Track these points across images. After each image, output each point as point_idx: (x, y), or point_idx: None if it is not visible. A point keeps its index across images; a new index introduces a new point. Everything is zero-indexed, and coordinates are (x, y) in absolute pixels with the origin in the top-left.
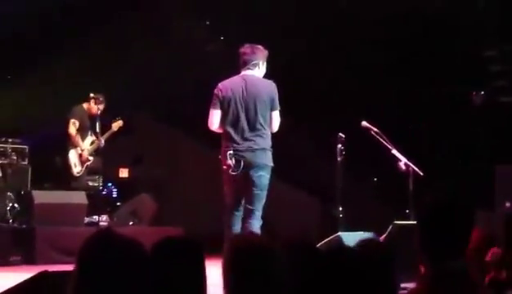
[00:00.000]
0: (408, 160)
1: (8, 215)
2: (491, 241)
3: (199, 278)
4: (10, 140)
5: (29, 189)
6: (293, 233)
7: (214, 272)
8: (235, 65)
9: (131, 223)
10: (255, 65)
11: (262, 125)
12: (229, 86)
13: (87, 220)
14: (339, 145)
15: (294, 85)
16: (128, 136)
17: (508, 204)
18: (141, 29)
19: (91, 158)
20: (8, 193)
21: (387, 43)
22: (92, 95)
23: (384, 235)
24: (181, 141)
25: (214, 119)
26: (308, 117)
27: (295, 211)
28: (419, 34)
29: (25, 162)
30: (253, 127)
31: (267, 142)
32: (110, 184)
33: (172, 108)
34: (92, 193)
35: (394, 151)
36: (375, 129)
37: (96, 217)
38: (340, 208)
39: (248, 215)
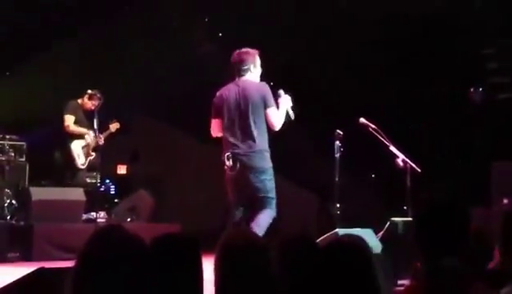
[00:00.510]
0: (406, 157)
1: (6, 211)
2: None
3: (195, 275)
4: (7, 137)
5: (26, 185)
6: (291, 229)
7: (211, 269)
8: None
9: (129, 219)
10: (246, 70)
11: (256, 128)
12: (223, 93)
13: (84, 216)
14: (337, 142)
15: (293, 85)
16: (126, 133)
17: (505, 201)
18: (140, 28)
19: (93, 154)
20: (6, 190)
21: (387, 43)
22: (89, 91)
23: (382, 232)
24: (179, 138)
25: (213, 127)
26: (308, 116)
27: (293, 207)
28: (419, 34)
29: (23, 159)
30: (247, 131)
31: (262, 144)
32: (107, 181)
33: (170, 105)
34: (90, 190)
35: (392, 148)
36: (373, 126)
37: (93, 214)
38: (338, 205)
39: (257, 217)
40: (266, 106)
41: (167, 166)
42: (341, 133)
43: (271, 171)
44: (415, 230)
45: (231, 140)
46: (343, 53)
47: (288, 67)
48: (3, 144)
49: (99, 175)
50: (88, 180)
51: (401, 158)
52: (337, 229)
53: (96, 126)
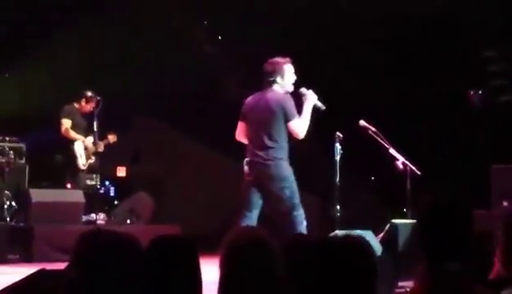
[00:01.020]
0: (406, 159)
1: (5, 213)
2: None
3: (193, 276)
4: (7, 139)
5: (26, 187)
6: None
7: (212, 270)
8: (234, 65)
9: (129, 221)
10: (271, 83)
11: (274, 139)
12: (249, 101)
13: (84, 218)
14: (337, 144)
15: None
16: (125, 135)
17: (505, 203)
18: (141, 28)
19: (93, 157)
20: (6, 192)
21: (387, 43)
22: (87, 94)
23: (382, 234)
24: (179, 139)
25: (237, 130)
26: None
27: None
28: (419, 34)
29: (23, 161)
30: (265, 141)
31: (279, 153)
32: (107, 183)
33: (170, 107)
34: (90, 192)
35: (392, 150)
36: (373, 128)
37: (93, 216)
38: (338, 207)
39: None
40: (287, 120)
41: (166, 167)
42: (341, 135)
43: (290, 179)
44: (419, 232)
45: (251, 147)
46: (343, 53)
47: None
48: (3, 146)
49: (99, 178)
50: (88, 182)
51: (400, 160)
52: (337, 231)
53: (96, 129)
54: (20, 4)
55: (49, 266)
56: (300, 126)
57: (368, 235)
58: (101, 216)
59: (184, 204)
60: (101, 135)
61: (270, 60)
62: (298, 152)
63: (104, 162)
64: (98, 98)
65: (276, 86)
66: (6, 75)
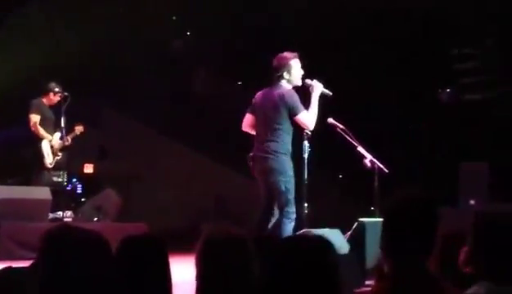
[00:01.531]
0: (374, 157)
1: None
2: (460, 238)
3: (163, 276)
4: None
5: None
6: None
7: (180, 268)
8: (205, 62)
9: (95, 219)
10: (279, 78)
11: (276, 134)
12: (258, 96)
13: (51, 215)
14: (305, 142)
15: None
16: (93, 132)
17: (472, 202)
18: (114, 26)
19: (60, 154)
20: None
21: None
22: (54, 89)
23: (349, 232)
24: (147, 137)
25: (244, 121)
26: None
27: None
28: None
29: None
30: (266, 136)
31: (279, 148)
32: (74, 180)
33: (139, 103)
34: (57, 189)
35: (360, 148)
36: (341, 126)
37: (60, 213)
38: (306, 205)
39: (279, 217)
40: (293, 114)
41: (134, 165)
42: (309, 133)
43: (287, 174)
44: (382, 230)
45: (256, 141)
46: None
47: None
48: None
49: (66, 174)
50: (55, 179)
51: (368, 158)
52: (305, 230)
53: (63, 125)
54: None
55: (15, 264)
56: (307, 118)
57: (336, 233)
58: (68, 213)
59: (151, 202)
60: (68, 131)
61: (277, 56)
62: None
63: (71, 159)
64: (66, 94)
65: (283, 82)
66: None
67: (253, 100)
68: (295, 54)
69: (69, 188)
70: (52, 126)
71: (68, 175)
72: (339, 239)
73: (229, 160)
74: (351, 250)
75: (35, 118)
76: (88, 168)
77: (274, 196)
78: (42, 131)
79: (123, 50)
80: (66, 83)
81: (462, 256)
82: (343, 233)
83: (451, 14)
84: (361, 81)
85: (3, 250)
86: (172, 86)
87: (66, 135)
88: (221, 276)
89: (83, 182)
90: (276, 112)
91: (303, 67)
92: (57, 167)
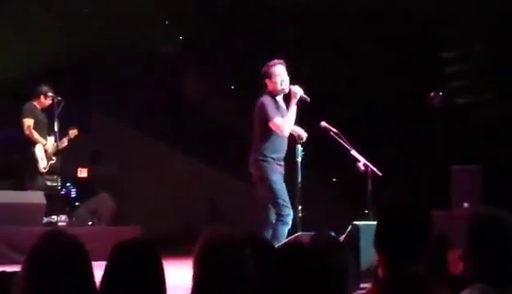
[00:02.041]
0: (367, 160)
1: None
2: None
3: (157, 281)
4: None
5: None
6: (252, 230)
7: (175, 271)
8: (192, 66)
9: (90, 223)
10: (264, 86)
11: (259, 139)
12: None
13: (45, 220)
14: (299, 146)
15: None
16: (86, 136)
17: (466, 204)
18: (104, 29)
19: (54, 158)
20: None
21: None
22: (47, 92)
23: (344, 235)
24: (140, 141)
25: None
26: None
27: (255, 210)
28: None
29: None
30: (252, 144)
31: (263, 155)
32: (68, 184)
33: (131, 108)
34: (51, 193)
35: (353, 152)
36: (334, 130)
37: (54, 217)
38: (300, 208)
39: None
40: (267, 120)
41: (128, 169)
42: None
43: (270, 179)
44: (376, 233)
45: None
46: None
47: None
48: None
49: (60, 179)
50: (49, 184)
51: (362, 162)
52: (299, 233)
53: (56, 129)
54: None
55: (10, 268)
56: (280, 123)
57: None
58: (63, 217)
59: (144, 205)
60: (61, 136)
61: (266, 63)
62: None
63: (65, 163)
64: (59, 98)
65: (266, 89)
66: None
67: None
68: (280, 61)
69: (63, 192)
70: (46, 130)
71: (62, 179)
72: None
73: (223, 164)
74: None
75: (29, 122)
76: (82, 172)
77: (266, 201)
78: (36, 136)
79: (115, 53)
80: (58, 87)
81: (453, 258)
82: (337, 236)
83: (451, 14)
84: (360, 81)
85: None
86: (165, 90)
87: (60, 139)
88: (218, 278)
89: (77, 186)
90: (256, 119)
91: (288, 73)
92: (51, 171)
